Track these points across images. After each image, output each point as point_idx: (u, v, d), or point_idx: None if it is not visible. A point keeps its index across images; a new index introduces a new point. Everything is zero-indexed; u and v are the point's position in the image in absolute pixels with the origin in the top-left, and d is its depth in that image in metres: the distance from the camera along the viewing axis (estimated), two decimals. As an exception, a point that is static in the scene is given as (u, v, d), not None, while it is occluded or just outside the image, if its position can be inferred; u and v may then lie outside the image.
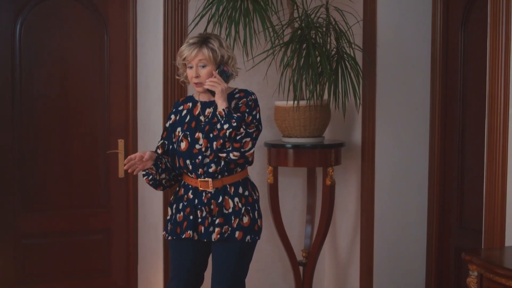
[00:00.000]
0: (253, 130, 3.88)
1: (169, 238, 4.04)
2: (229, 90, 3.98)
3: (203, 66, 3.90)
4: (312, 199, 5.37)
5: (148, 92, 5.22)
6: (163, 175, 4.03)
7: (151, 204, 5.21)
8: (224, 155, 3.85)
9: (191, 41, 3.94)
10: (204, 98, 4.04)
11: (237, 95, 4.00)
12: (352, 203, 5.34)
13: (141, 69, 5.28)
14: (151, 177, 4.02)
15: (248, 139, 3.84)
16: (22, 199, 5.16)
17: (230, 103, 3.94)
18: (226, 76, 3.92)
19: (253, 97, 3.99)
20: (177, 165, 4.02)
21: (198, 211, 3.94)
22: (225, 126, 3.81)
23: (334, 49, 4.86)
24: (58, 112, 5.20)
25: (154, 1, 5.11)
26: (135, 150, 5.30)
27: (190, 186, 3.99)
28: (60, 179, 5.24)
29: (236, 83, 5.14)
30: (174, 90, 5.04)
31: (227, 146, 3.82)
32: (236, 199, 3.95)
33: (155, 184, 4.06)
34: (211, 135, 3.89)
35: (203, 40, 3.92)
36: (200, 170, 3.92)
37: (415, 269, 5.25)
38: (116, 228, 5.41)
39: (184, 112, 4.05)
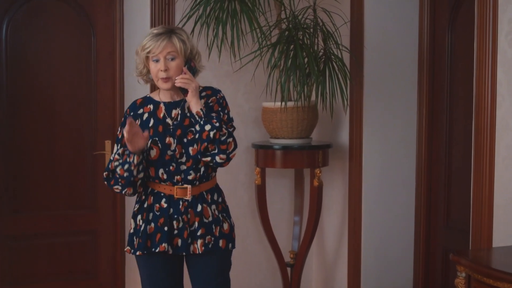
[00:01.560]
0: (232, 129, 3.61)
1: (138, 253, 3.60)
2: None
3: (172, 59, 3.51)
4: (299, 200, 5.38)
5: (135, 93, 5.20)
6: (140, 175, 3.54)
7: (138, 205, 5.19)
8: (209, 158, 3.51)
9: (155, 31, 3.55)
10: (166, 97, 3.65)
11: (203, 93, 3.65)
12: (339, 204, 5.35)
13: (128, 69, 5.26)
14: (127, 166, 3.48)
15: (230, 139, 3.53)
16: (7, 201, 5.13)
17: None
18: (193, 72, 3.58)
19: (221, 94, 3.70)
20: (148, 174, 3.60)
21: (175, 222, 3.55)
22: (207, 128, 3.46)
23: (322, 50, 4.86)
24: (44, 112, 5.18)
25: (141, 1, 5.10)
26: (122, 151, 5.29)
27: (162, 194, 3.58)
28: (46, 180, 5.22)
29: (225, 84, 5.15)
30: (161, 91, 5.03)
31: (210, 149, 3.48)
32: (213, 207, 3.64)
33: (129, 178, 3.51)
34: (184, 139, 3.55)
35: (170, 31, 3.56)
36: (177, 177, 3.56)
37: (402, 269, 5.26)
38: (102, 229, 5.39)
39: (146, 115, 3.63)
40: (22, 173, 5.16)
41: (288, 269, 5.24)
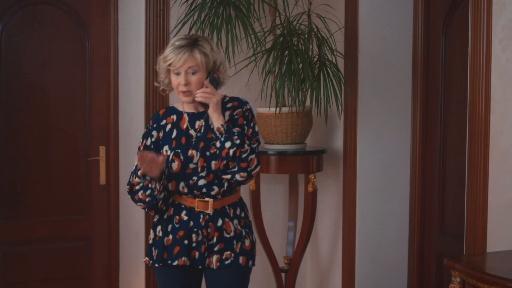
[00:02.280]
0: (255, 145, 3.44)
1: (156, 265, 3.50)
2: None
3: (193, 73, 3.38)
4: (294, 205, 5.38)
5: (130, 99, 5.21)
6: (162, 195, 3.44)
7: (132, 211, 5.19)
8: (229, 176, 3.39)
9: (177, 43, 3.40)
10: (190, 108, 3.52)
11: (229, 105, 3.49)
12: (334, 210, 5.35)
13: (122, 75, 5.26)
14: (149, 192, 3.38)
15: (253, 156, 3.38)
16: (2, 207, 5.12)
17: (223, 114, 3.44)
18: (216, 84, 3.44)
19: (248, 106, 3.52)
20: (168, 188, 3.48)
21: (194, 235, 3.43)
22: (227, 145, 3.33)
23: (316, 56, 4.87)
24: (39, 118, 5.17)
25: (135, 7, 5.11)
26: (116, 157, 5.29)
27: (183, 206, 3.47)
28: (41, 186, 5.21)
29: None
30: (156, 97, 5.03)
31: (231, 167, 3.35)
32: (236, 221, 3.50)
33: (152, 202, 3.41)
34: (207, 153, 3.42)
35: (193, 43, 3.41)
36: (196, 192, 3.43)
37: (396, 275, 5.26)
38: (97, 235, 5.38)
39: (169, 126, 3.51)
40: (16, 179, 5.15)
41: (283, 274, 5.23)
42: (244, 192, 5.11)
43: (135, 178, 3.44)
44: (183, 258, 3.43)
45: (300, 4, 5.03)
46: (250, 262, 3.55)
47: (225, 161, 3.34)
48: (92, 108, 5.28)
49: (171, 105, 3.62)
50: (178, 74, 3.40)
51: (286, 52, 4.74)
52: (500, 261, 3.44)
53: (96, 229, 5.38)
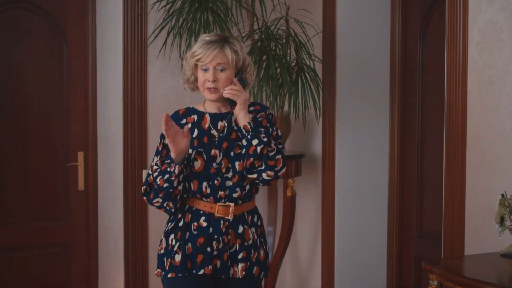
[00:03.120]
0: (281, 146, 3.35)
1: (170, 275, 3.29)
2: None
3: (222, 70, 3.26)
4: (273, 210, 5.38)
5: (108, 104, 5.19)
6: (180, 187, 3.27)
7: (111, 216, 5.18)
8: (255, 175, 3.26)
9: (207, 38, 3.29)
10: (212, 108, 3.40)
11: (251, 108, 3.39)
12: (313, 214, 5.36)
13: (100, 81, 5.24)
14: (167, 176, 3.20)
15: (279, 156, 3.27)
16: (-20, 213, 5.10)
17: None
18: (243, 85, 3.32)
19: (270, 111, 3.44)
20: (188, 189, 3.33)
21: (214, 242, 3.28)
22: (254, 142, 3.22)
23: (294, 61, 4.88)
24: (16, 124, 5.14)
25: (113, 13, 5.09)
26: (95, 163, 5.27)
27: (201, 212, 3.31)
28: (18, 192, 5.18)
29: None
30: (134, 102, 5.02)
31: (257, 165, 3.23)
32: (253, 230, 3.38)
33: (169, 189, 3.22)
34: (231, 153, 3.31)
35: (223, 39, 3.30)
36: (220, 193, 3.29)
37: (375, 278, 5.27)
38: (75, 242, 5.35)
39: (189, 125, 3.36)
40: (-6, 185, 5.13)
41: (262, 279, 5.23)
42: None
43: (153, 171, 3.27)
44: (209, 267, 3.26)
45: (278, 9, 5.04)
46: (263, 273, 3.41)
47: (251, 159, 3.23)
48: (70, 113, 5.26)
49: (191, 106, 3.47)
50: (206, 70, 3.27)
51: (264, 57, 4.75)
52: (478, 264, 3.45)
53: (75, 235, 5.35)
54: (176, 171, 3.20)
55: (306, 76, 4.82)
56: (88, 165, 5.28)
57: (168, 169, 3.22)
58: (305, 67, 4.84)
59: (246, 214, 3.37)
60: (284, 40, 4.87)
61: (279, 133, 3.41)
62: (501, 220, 3.48)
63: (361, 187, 5.20)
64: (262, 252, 3.41)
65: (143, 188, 3.34)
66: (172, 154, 3.19)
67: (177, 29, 4.70)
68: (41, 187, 5.23)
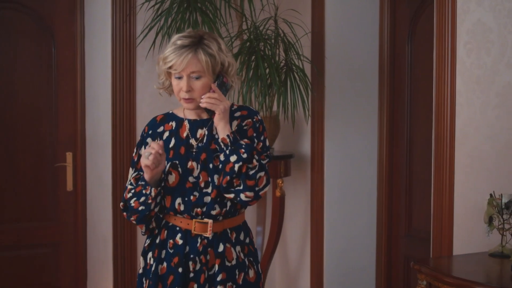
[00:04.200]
0: (265, 161, 2.98)
1: None
2: None
3: (197, 78, 2.91)
4: (262, 210, 5.38)
5: (97, 104, 5.18)
6: (157, 208, 2.98)
7: (100, 217, 5.17)
8: (232, 195, 2.92)
9: (179, 42, 2.92)
10: (191, 114, 3.06)
11: (237, 114, 3.04)
12: (302, 214, 5.36)
13: (89, 80, 5.23)
14: (143, 199, 2.92)
15: (262, 174, 2.91)
16: (-32, 214, 5.08)
17: (230, 124, 2.99)
18: (225, 89, 2.99)
19: (258, 117, 3.06)
20: (163, 202, 3.02)
21: (190, 262, 2.96)
22: (232, 159, 2.87)
23: (283, 61, 4.88)
24: (4, 124, 5.12)
25: (102, 12, 5.08)
26: (83, 163, 5.25)
27: (178, 228, 3.00)
28: (7, 192, 5.16)
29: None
30: (123, 102, 5.01)
31: (235, 184, 2.89)
32: (238, 248, 3.04)
33: (144, 213, 2.95)
34: (210, 165, 2.96)
35: (198, 41, 2.93)
36: (197, 210, 2.96)
37: (364, 278, 5.28)
38: (64, 242, 5.34)
39: (166, 134, 3.05)
40: (-18, 186, 5.11)
41: (251, 279, 5.23)
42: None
43: (128, 190, 3.01)
44: None
45: (267, 9, 5.04)
46: None
47: (228, 177, 2.88)
48: (59, 113, 5.25)
49: (170, 111, 3.15)
50: (179, 78, 2.93)
51: (253, 57, 4.75)
52: (466, 263, 3.46)
53: (63, 235, 5.34)
54: (153, 194, 2.92)
55: (295, 76, 4.82)
56: (77, 165, 5.27)
57: (144, 191, 2.93)
58: (294, 67, 4.84)
59: (229, 231, 3.03)
60: (273, 40, 4.87)
61: (267, 143, 3.05)
62: (490, 220, 3.49)
63: (350, 187, 5.21)
64: (252, 273, 3.07)
65: (121, 204, 3.06)
66: (146, 177, 2.91)
67: (165, 29, 4.69)
68: (30, 187, 5.22)
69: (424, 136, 4.69)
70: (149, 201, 2.92)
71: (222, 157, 2.90)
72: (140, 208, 2.94)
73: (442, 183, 4.04)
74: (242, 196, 2.91)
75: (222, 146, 2.91)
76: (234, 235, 3.05)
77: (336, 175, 5.17)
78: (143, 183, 2.93)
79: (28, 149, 5.19)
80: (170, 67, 2.93)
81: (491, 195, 3.51)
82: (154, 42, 4.73)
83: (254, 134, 3.01)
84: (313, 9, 5.14)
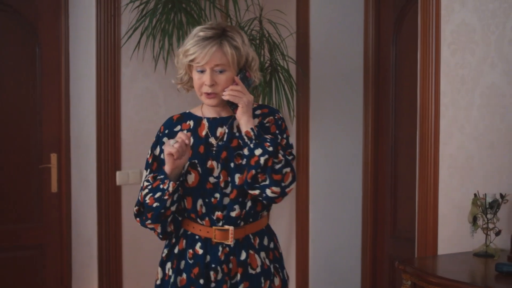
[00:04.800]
0: (291, 157, 2.86)
1: None
2: None
3: (221, 71, 2.79)
4: (247, 211, 5.37)
5: (81, 105, 5.16)
6: (173, 207, 2.83)
7: (85, 219, 5.15)
8: (258, 192, 2.77)
9: (202, 33, 2.79)
10: (210, 112, 2.93)
11: (258, 112, 2.92)
12: (287, 215, 5.36)
13: (73, 81, 5.22)
14: (159, 194, 2.77)
15: (288, 169, 2.77)
16: (-49, 216, 5.05)
17: None
18: (248, 84, 2.87)
19: (280, 115, 2.97)
20: (181, 208, 2.90)
21: (212, 272, 2.82)
22: (257, 152, 2.72)
23: (268, 62, 4.88)
24: (-12, 126, 5.11)
25: (86, 13, 5.07)
26: (68, 164, 5.24)
27: (197, 237, 2.86)
28: (-9, 194, 5.15)
29: (171, 96, 5.13)
30: (108, 103, 4.99)
31: (260, 179, 2.74)
32: (263, 254, 2.89)
33: (159, 210, 2.79)
34: (231, 164, 2.82)
35: (221, 33, 2.81)
36: (218, 213, 2.83)
37: (350, 278, 5.28)
38: (49, 244, 5.32)
39: (179, 132, 2.86)
40: (-34, 187, 5.09)
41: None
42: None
43: (143, 188, 2.86)
44: None
45: (252, 10, 5.04)
46: None
47: (253, 171, 2.73)
48: (43, 115, 5.23)
49: (187, 111, 3.02)
50: (202, 72, 2.80)
51: (238, 58, 4.74)
52: (451, 263, 3.47)
53: (48, 237, 5.32)
54: (170, 189, 2.76)
55: (280, 76, 4.82)
56: (61, 167, 5.25)
57: (161, 186, 2.78)
58: (279, 67, 4.84)
59: (251, 237, 2.88)
60: (258, 41, 4.87)
61: (290, 142, 2.95)
62: (474, 220, 3.50)
63: (335, 187, 5.21)
64: (277, 280, 2.93)
65: (135, 208, 2.90)
66: (167, 168, 2.77)
67: (150, 30, 4.68)
68: (14, 189, 5.19)
69: (409, 136, 4.70)
70: (165, 197, 2.77)
71: (246, 151, 2.76)
72: (155, 204, 2.79)
73: (427, 183, 4.05)
74: (268, 191, 2.75)
75: (246, 140, 2.77)
76: (258, 240, 2.90)
77: (321, 176, 5.17)
78: (161, 176, 2.78)
79: (12, 151, 5.17)
80: (192, 60, 2.79)
81: (475, 195, 3.52)
82: (138, 42, 4.72)
83: (277, 131, 2.91)
84: (298, 10, 5.14)
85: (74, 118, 5.23)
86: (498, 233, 3.46)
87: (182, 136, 2.73)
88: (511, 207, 3.51)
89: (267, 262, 2.90)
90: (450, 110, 3.91)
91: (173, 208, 2.82)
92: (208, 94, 2.81)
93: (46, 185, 5.26)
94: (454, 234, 3.90)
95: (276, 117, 2.94)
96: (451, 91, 3.90)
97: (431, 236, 4.03)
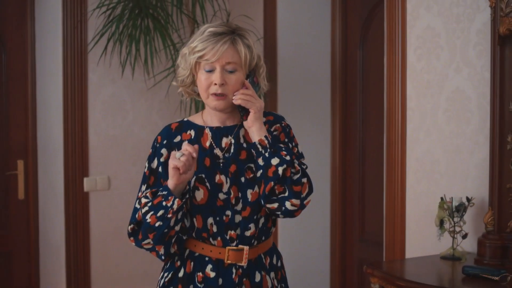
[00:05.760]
0: (305, 166, 2.64)
1: None
2: None
3: (232, 71, 2.53)
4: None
5: (48, 111, 5.13)
6: (177, 227, 2.52)
7: (52, 226, 5.12)
8: (276, 205, 2.52)
9: (212, 29, 2.54)
10: (213, 121, 2.64)
11: (263, 119, 2.63)
12: (256, 220, 5.36)
13: (40, 87, 5.18)
14: (161, 212, 2.47)
15: (305, 180, 2.55)
16: None
17: None
18: (255, 91, 2.60)
19: (286, 122, 2.74)
20: (190, 226, 2.60)
21: None
22: (274, 162, 2.48)
23: (236, 67, 4.88)
24: (-46, 133, 5.06)
25: (52, 19, 5.04)
26: (35, 171, 5.20)
27: (207, 259, 2.58)
28: (-43, 202, 5.10)
29: (139, 102, 5.12)
30: (75, 109, 4.96)
31: (278, 192, 2.50)
32: (273, 275, 2.68)
33: (162, 230, 2.49)
34: (242, 179, 2.56)
35: (233, 31, 2.56)
36: (231, 232, 2.56)
37: (319, 282, 5.29)
38: (16, 251, 5.28)
39: (185, 144, 2.53)
40: None
41: None
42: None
43: (142, 205, 2.55)
44: None
45: (219, 15, 5.04)
46: None
47: (272, 183, 2.48)
48: (10, 121, 5.18)
49: (185, 119, 2.71)
50: (211, 71, 2.53)
51: (206, 63, 4.74)
52: (418, 266, 3.49)
53: (15, 245, 5.27)
54: (175, 206, 2.46)
55: (248, 82, 4.82)
56: (28, 174, 5.21)
57: (164, 203, 2.48)
58: (246, 73, 4.85)
59: (263, 257, 2.66)
60: (225, 46, 4.87)
61: (300, 150, 2.74)
62: (441, 223, 3.53)
63: (304, 192, 5.22)
64: None
65: (129, 227, 2.60)
66: (171, 183, 2.47)
67: (117, 36, 4.66)
68: (-20, 196, 5.16)
69: (377, 140, 4.72)
70: (169, 215, 2.46)
71: (261, 161, 2.50)
72: (157, 224, 2.48)
73: (394, 187, 4.07)
74: (288, 204, 2.51)
75: (260, 149, 2.51)
76: (268, 259, 2.68)
77: (290, 180, 5.17)
78: (164, 193, 2.48)
79: (-22, 158, 5.13)
80: (201, 57, 2.52)
81: (442, 198, 3.55)
82: (105, 48, 4.70)
83: (286, 140, 2.68)
84: (265, 15, 5.15)
85: (41, 124, 5.20)
86: (464, 236, 3.49)
87: (189, 148, 2.43)
88: (477, 210, 3.54)
89: (276, 282, 2.69)
90: (417, 115, 3.93)
91: (177, 228, 2.52)
92: (216, 95, 2.53)
93: (13, 192, 5.21)
94: (421, 237, 3.92)
95: (283, 124, 2.71)
96: (417, 95, 3.93)
97: (399, 240, 4.05)
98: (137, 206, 2.59)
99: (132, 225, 2.58)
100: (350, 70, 5.11)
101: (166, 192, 2.47)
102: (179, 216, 2.49)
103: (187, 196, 2.52)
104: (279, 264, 2.73)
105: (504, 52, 3.31)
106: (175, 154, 2.42)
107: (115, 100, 5.09)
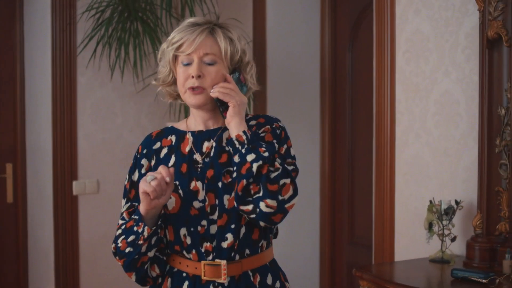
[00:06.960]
0: (291, 168, 2.36)
1: None
2: None
3: (211, 64, 2.32)
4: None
5: (37, 115, 5.12)
6: (151, 253, 2.33)
7: (41, 229, 5.10)
8: (251, 207, 2.24)
9: (192, 20, 2.37)
10: (197, 125, 2.44)
11: (253, 122, 2.43)
12: (245, 223, 5.35)
13: (29, 90, 5.17)
14: (132, 238, 2.29)
15: (287, 180, 2.25)
16: None
17: None
18: (240, 89, 2.38)
19: (280, 124, 2.45)
20: (164, 239, 2.40)
21: None
22: (249, 158, 2.23)
23: (225, 70, 4.88)
24: None
25: (41, 22, 5.03)
26: (23, 175, 5.18)
27: (184, 274, 2.37)
28: None
29: (129, 105, 5.11)
30: (64, 113, 4.95)
31: (253, 191, 2.23)
32: None
33: (132, 256, 2.30)
34: (219, 183, 2.32)
35: (215, 23, 2.40)
36: (206, 245, 2.32)
37: (308, 286, 5.29)
38: (5, 255, 5.26)
39: (164, 151, 2.43)
40: None
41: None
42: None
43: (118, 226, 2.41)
44: None
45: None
46: None
47: (245, 181, 2.22)
48: (-2, 124, 5.18)
49: (169, 125, 2.55)
50: (188, 64, 2.33)
51: (195, 66, 4.74)
52: (407, 269, 3.49)
53: (4, 249, 5.26)
54: (146, 234, 2.28)
55: (237, 85, 4.82)
56: (17, 177, 5.20)
57: (135, 228, 2.30)
58: (235, 76, 4.84)
59: (251, 274, 2.38)
60: (214, 49, 4.87)
61: (292, 153, 2.44)
62: (430, 226, 3.54)
63: (293, 195, 5.22)
64: None
65: (112, 246, 2.40)
66: (142, 209, 2.27)
67: (106, 39, 4.66)
68: (-32, 199, 5.14)
69: (366, 143, 4.73)
70: (140, 242, 2.28)
71: (237, 159, 2.26)
72: (127, 250, 2.30)
73: (383, 190, 4.08)
74: (262, 205, 2.22)
75: (237, 145, 2.27)
76: (258, 278, 2.39)
77: (279, 184, 5.17)
78: (136, 217, 2.30)
79: (-34, 161, 5.12)
80: (178, 48, 2.33)
81: (430, 201, 3.55)
82: (94, 51, 4.70)
83: (275, 140, 2.39)
84: (254, 18, 5.15)
85: (30, 127, 5.19)
86: (453, 239, 3.49)
87: (162, 171, 2.22)
88: (466, 213, 3.55)
89: None
90: (406, 118, 3.94)
91: (150, 254, 2.32)
92: (193, 89, 2.32)
93: (1, 195, 5.20)
94: (410, 240, 3.93)
95: (274, 126, 2.43)
96: (406, 99, 3.94)
97: (388, 243, 4.05)
98: (119, 221, 2.43)
99: (114, 244, 2.39)
100: (339, 73, 5.11)
101: (137, 217, 2.29)
102: (152, 242, 2.30)
103: (160, 223, 2.32)
104: (277, 284, 2.45)
105: (492, 56, 3.32)
106: (146, 177, 2.23)
107: (104, 103, 5.08)
